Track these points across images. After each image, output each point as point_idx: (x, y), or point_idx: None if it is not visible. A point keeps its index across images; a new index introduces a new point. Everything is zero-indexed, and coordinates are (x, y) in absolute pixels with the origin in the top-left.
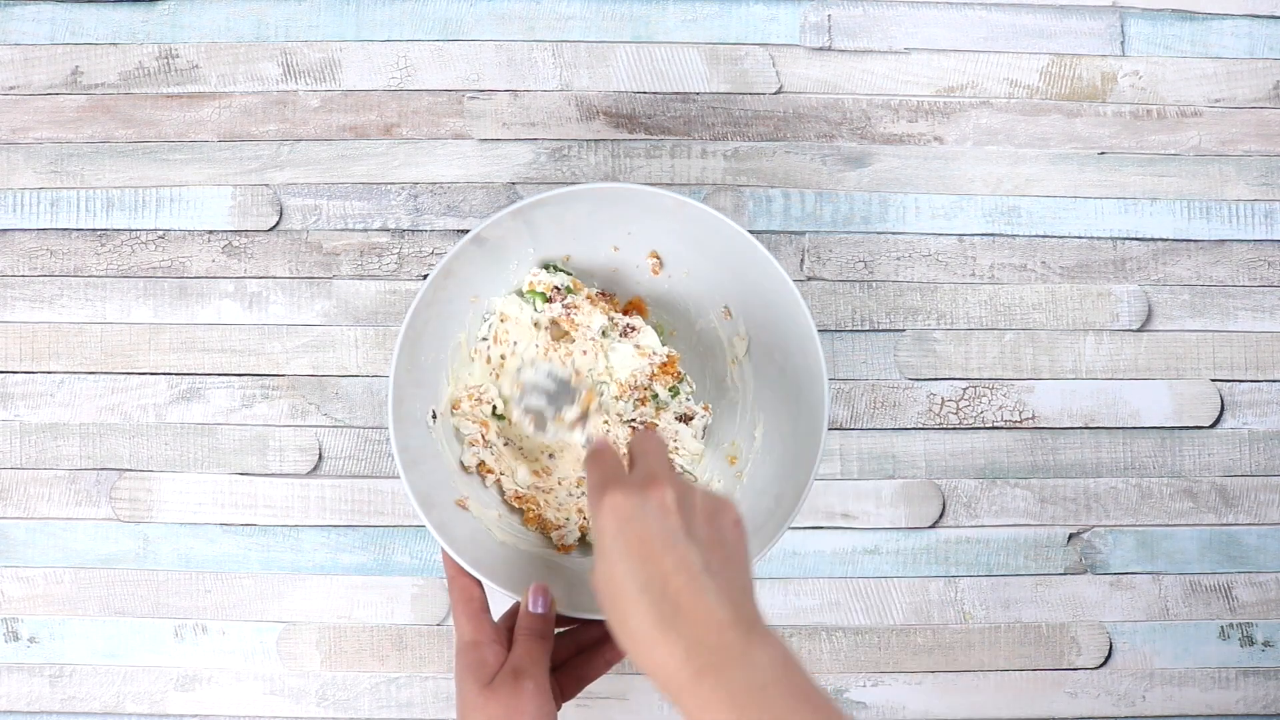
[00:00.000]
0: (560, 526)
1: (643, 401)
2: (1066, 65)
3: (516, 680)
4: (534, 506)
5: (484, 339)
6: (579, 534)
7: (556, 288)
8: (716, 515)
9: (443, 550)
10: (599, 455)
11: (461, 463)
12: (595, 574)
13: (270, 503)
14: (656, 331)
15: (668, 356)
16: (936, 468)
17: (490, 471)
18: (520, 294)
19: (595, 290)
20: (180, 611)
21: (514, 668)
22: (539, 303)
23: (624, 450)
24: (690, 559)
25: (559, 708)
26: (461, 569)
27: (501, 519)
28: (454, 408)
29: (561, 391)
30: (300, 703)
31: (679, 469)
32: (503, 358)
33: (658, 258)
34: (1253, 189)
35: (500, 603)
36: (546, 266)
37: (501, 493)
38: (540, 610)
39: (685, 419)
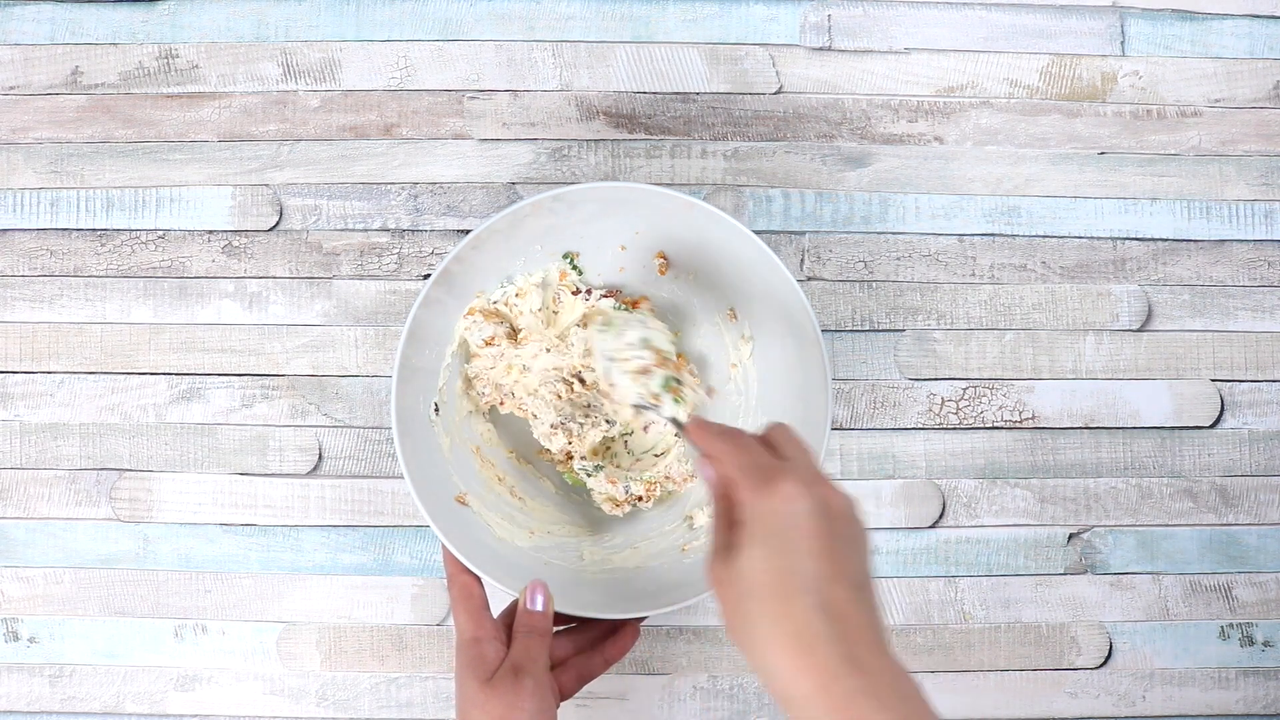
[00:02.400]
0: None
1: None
2: (1066, 65)
3: (516, 677)
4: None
5: (494, 301)
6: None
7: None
8: (855, 528)
9: (443, 547)
10: (738, 437)
11: (465, 374)
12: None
13: (270, 503)
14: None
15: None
16: (936, 468)
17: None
18: (543, 281)
19: (601, 290)
20: (180, 611)
21: (513, 665)
22: (565, 295)
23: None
24: (851, 569)
25: (558, 705)
26: (461, 566)
27: (502, 515)
28: (468, 313)
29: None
30: (300, 703)
31: None
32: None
33: (665, 258)
34: (1253, 189)
35: (500, 600)
36: (565, 257)
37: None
38: (538, 608)
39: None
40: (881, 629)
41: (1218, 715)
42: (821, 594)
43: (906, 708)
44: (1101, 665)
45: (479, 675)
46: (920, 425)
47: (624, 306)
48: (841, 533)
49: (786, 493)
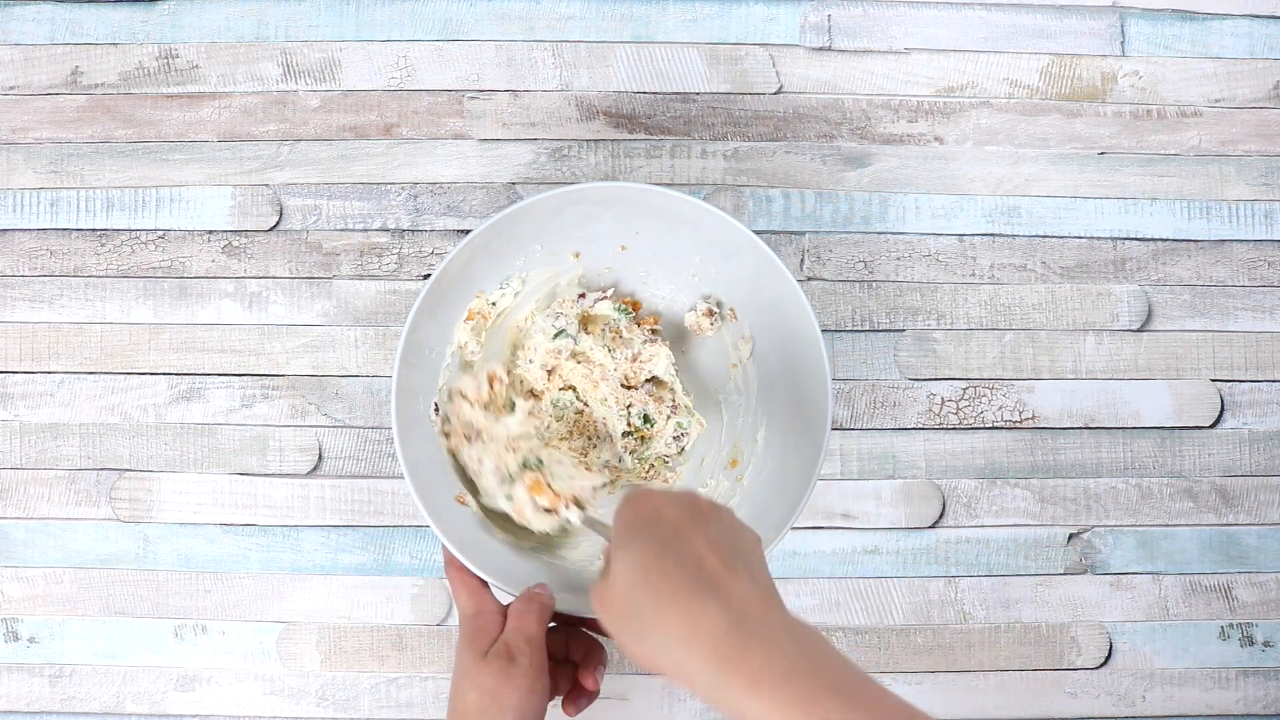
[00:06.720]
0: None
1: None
2: (1066, 65)
3: (510, 655)
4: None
5: (493, 303)
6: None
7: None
8: (721, 513)
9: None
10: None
11: (461, 358)
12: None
13: (270, 503)
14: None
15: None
16: (936, 468)
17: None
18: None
19: (600, 293)
20: (180, 611)
21: (507, 642)
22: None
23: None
24: (720, 541)
25: (550, 697)
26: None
27: (502, 515)
28: (468, 317)
29: None
30: (300, 703)
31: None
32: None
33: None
34: (1253, 189)
35: (501, 598)
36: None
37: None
38: (538, 589)
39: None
40: (766, 588)
41: (1218, 715)
42: (698, 566)
43: (800, 650)
44: (1101, 665)
45: (476, 649)
46: (920, 425)
47: (624, 307)
48: (706, 515)
49: (638, 497)
